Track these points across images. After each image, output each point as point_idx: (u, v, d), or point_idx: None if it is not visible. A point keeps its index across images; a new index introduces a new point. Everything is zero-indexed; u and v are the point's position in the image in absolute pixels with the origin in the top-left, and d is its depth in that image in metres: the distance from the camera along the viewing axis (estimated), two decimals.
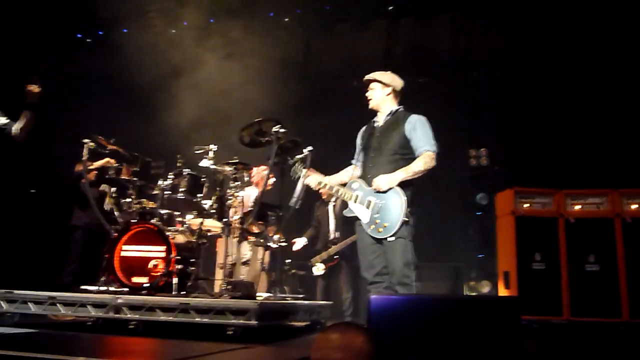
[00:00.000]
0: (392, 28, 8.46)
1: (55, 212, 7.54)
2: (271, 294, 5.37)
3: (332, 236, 6.69)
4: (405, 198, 3.82)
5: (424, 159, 3.91)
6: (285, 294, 6.09)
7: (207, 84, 7.02)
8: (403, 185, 3.88)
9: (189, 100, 6.92)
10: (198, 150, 5.20)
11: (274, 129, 4.70)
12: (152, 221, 4.95)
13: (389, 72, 4.26)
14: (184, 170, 5.22)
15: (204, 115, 6.73)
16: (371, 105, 4.23)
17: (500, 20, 8.04)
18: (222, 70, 7.19)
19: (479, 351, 2.48)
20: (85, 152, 5.21)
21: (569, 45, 7.47)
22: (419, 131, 3.99)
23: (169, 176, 5.23)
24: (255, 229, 6.19)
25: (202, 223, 5.19)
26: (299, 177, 4.39)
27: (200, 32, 7.79)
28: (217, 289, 5.20)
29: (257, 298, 4.59)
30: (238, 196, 5.10)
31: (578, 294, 5.92)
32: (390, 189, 3.85)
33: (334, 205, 6.77)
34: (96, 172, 6.17)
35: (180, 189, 5.13)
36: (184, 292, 4.68)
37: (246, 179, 5.49)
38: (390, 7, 8.32)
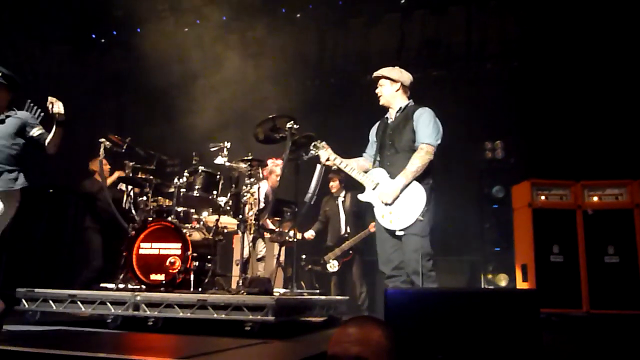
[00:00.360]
0: (405, 21, 8.40)
1: (73, 211, 7.65)
2: (288, 290, 5.38)
3: (343, 231, 6.68)
4: (425, 196, 3.82)
5: (419, 154, 3.90)
6: (302, 289, 6.10)
7: (222, 83, 7.04)
8: (421, 179, 3.87)
9: (202, 99, 6.95)
10: (213, 147, 5.23)
11: (288, 125, 4.71)
12: (169, 219, 4.99)
13: (396, 67, 4.22)
14: (199, 167, 5.26)
15: (219, 114, 6.75)
16: (381, 102, 4.22)
17: (516, 10, 7.94)
18: (236, 68, 7.20)
19: (498, 345, 2.47)
20: (101, 151, 5.27)
21: (586, 34, 7.35)
22: (420, 124, 3.97)
23: (184, 174, 5.26)
24: (270, 225, 6.22)
25: (218, 220, 5.22)
26: (317, 155, 4.29)
27: (213, 31, 7.82)
28: (233, 285, 5.23)
29: (274, 294, 4.61)
30: (254, 193, 5.12)
31: (597, 286, 5.83)
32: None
33: (344, 201, 6.75)
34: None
35: (196, 187, 5.17)
36: (201, 289, 4.72)
37: (261, 175, 5.51)
38: (403, 1, 8.26)
